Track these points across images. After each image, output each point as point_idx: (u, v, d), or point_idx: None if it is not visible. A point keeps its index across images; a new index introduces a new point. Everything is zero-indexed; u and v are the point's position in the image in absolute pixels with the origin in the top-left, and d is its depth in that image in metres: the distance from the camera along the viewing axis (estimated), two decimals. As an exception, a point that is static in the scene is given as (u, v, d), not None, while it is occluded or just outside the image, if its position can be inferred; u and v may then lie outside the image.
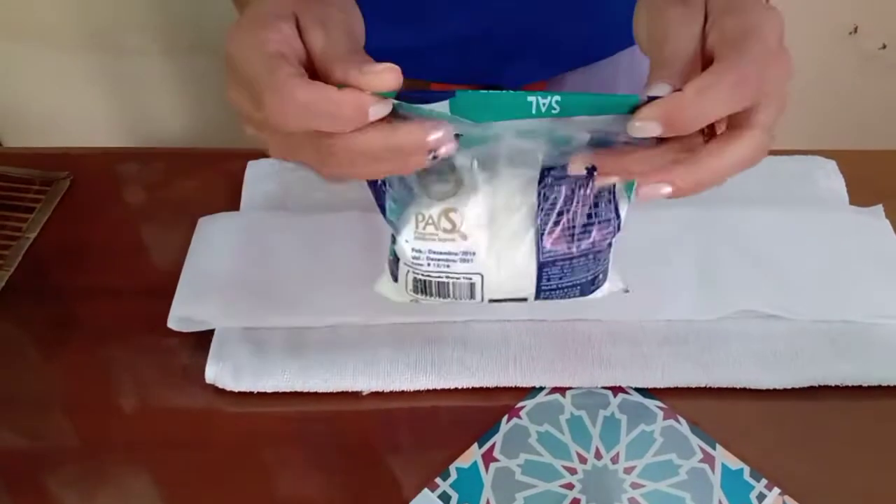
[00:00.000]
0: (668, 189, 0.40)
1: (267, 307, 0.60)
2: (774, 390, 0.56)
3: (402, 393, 0.57)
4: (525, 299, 0.48)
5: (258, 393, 0.56)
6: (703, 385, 0.56)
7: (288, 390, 0.56)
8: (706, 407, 0.55)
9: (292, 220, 0.66)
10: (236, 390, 0.56)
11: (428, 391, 0.56)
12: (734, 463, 0.52)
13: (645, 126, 0.38)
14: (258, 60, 0.38)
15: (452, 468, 0.52)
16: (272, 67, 0.38)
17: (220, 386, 0.56)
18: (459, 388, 0.56)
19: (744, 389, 0.56)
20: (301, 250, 0.64)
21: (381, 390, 0.56)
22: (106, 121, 1.48)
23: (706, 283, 0.61)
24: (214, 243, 0.64)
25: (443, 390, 0.56)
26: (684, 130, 0.38)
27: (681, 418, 0.54)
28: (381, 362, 0.57)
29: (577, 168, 0.43)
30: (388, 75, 0.37)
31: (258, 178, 0.71)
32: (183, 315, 0.59)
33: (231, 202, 0.70)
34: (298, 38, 0.40)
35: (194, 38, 1.37)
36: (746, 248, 0.63)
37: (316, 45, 0.40)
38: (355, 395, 0.57)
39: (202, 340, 0.59)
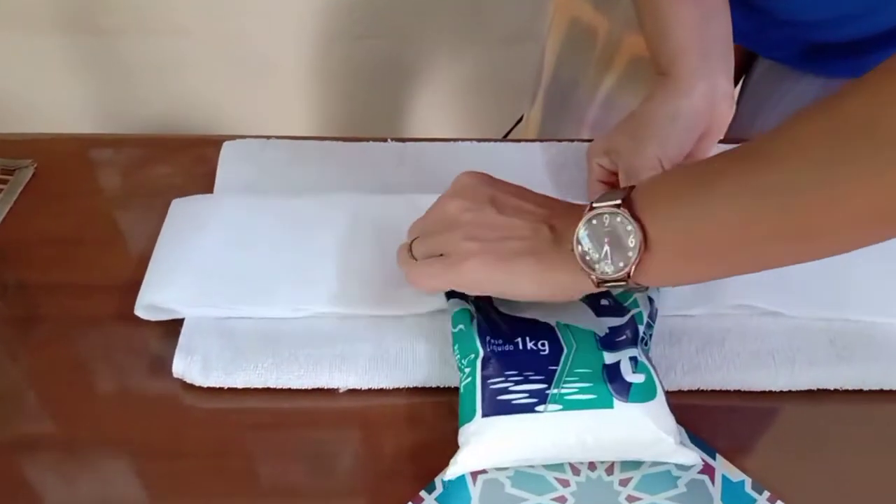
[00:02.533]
0: None
1: (240, 296, 0.57)
2: (773, 395, 0.54)
3: (381, 391, 0.54)
4: None
5: (229, 388, 0.53)
6: (695, 388, 0.54)
7: (260, 386, 0.53)
8: (704, 413, 0.53)
9: (272, 202, 0.63)
10: (205, 385, 0.53)
11: (409, 390, 0.54)
12: (735, 474, 0.49)
13: None
14: None
15: (438, 481, 0.49)
16: None
17: (189, 381, 0.53)
18: (443, 387, 0.54)
19: (742, 394, 0.54)
20: (280, 235, 0.60)
21: (358, 388, 0.53)
22: (79, 106, 1.44)
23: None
24: (188, 226, 0.61)
25: (425, 389, 0.54)
26: None
27: (679, 426, 0.51)
28: (360, 358, 0.54)
29: None
30: None
31: (234, 159, 0.68)
32: (150, 302, 0.56)
33: (206, 191, 0.66)
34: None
35: (173, 19, 1.34)
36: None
37: None
38: (332, 393, 0.54)
39: (172, 332, 0.56)
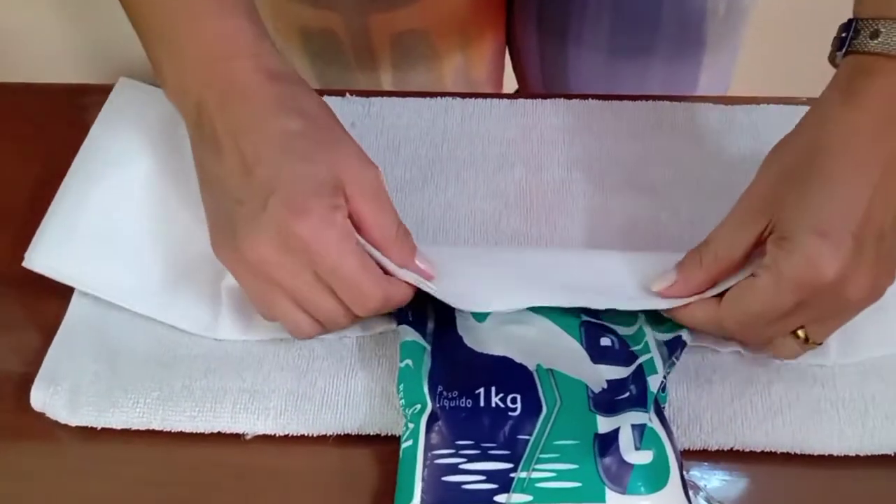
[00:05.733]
0: None
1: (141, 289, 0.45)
2: (836, 461, 0.42)
3: (302, 439, 0.43)
4: None
5: (103, 429, 0.43)
6: (728, 448, 0.42)
7: (142, 428, 0.43)
8: (740, 484, 0.42)
9: None
10: (73, 424, 0.43)
11: (339, 437, 0.43)
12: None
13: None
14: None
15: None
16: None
17: (52, 417, 0.43)
18: (385, 435, 0.42)
19: (792, 458, 0.42)
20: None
21: (271, 434, 0.43)
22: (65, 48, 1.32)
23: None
24: (105, 153, 0.48)
25: (361, 437, 0.43)
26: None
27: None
28: (275, 394, 0.43)
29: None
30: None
31: (121, 111, 0.51)
32: (44, 261, 0.45)
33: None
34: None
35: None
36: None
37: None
38: (236, 440, 0.43)
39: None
